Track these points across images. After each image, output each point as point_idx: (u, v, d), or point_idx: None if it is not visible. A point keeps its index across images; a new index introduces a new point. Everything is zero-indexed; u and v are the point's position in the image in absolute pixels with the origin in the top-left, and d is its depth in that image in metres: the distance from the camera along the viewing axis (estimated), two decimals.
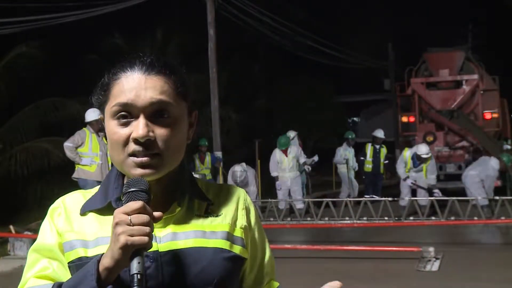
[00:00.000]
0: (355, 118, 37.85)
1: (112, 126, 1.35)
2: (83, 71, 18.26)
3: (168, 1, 22.14)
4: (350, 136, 15.31)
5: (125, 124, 1.33)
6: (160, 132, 1.32)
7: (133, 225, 1.19)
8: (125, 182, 1.30)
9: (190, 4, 18.72)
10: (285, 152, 13.22)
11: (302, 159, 13.57)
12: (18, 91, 14.23)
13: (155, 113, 1.33)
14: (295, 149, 13.41)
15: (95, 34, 19.50)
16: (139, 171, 1.32)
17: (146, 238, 1.19)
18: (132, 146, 1.31)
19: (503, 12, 30.50)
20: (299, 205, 12.45)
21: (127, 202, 1.24)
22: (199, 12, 16.86)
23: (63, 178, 13.34)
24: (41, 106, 14.27)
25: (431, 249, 8.07)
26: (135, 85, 1.33)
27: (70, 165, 13.30)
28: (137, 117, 1.32)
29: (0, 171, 13.35)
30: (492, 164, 12.57)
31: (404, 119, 18.04)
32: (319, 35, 23.82)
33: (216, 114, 15.32)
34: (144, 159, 1.31)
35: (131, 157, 1.32)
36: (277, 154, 13.33)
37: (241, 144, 22.14)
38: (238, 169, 12.48)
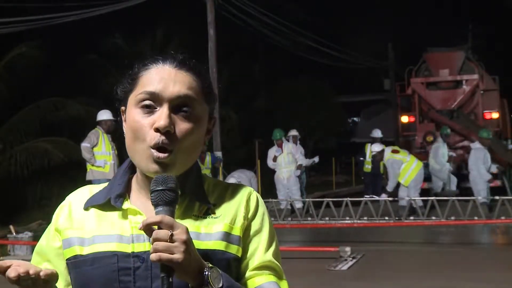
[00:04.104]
0: (355, 118, 37.87)
1: (135, 114, 1.35)
2: (83, 71, 18.27)
3: (168, 1, 22.15)
4: (446, 132, 14.68)
5: (148, 114, 1.34)
6: (180, 126, 1.33)
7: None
8: (153, 178, 1.27)
9: (190, 4, 18.73)
10: (281, 147, 13.38)
11: (300, 160, 13.50)
12: (18, 91, 14.23)
13: (180, 107, 1.34)
14: (290, 145, 13.46)
15: (95, 34, 19.50)
16: (155, 166, 1.32)
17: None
18: (152, 135, 1.32)
19: (503, 12, 30.51)
20: (298, 205, 12.45)
21: (156, 201, 1.24)
22: (199, 12, 16.87)
23: (63, 178, 13.37)
24: (41, 106, 14.28)
25: (348, 249, 8.14)
26: (165, 76, 1.35)
27: (70, 165, 13.36)
28: (161, 108, 1.34)
29: (0, 171, 13.35)
30: (473, 147, 12.76)
31: (404, 119, 18.04)
32: (319, 35, 23.84)
33: (216, 114, 15.32)
34: (162, 155, 1.31)
35: (150, 149, 1.32)
36: (274, 149, 13.61)
37: (241, 144, 22.14)
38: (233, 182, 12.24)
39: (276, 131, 13.63)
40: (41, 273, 1.22)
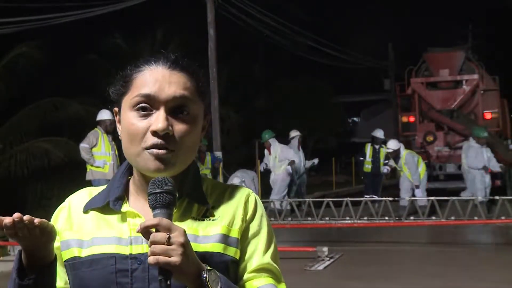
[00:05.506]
0: (355, 118, 37.91)
1: (130, 118, 1.34)
2: (83, 71, 18.29)
3: (168, 1, 22.15)
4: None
5: (144, 116, 1.33)
6: (178, 128, 1.33)
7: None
8: (151, 181, 1.26)
9: (190, 4, 18.73)
10: (269, 149, 13.34)
11: (292, 156, 13.33)
12: (18, 91, 14.24)
13: (176, 108, 1.34)
14: (278, 149, 13.34)
15: (95, 34, 19.51)
16: (155, 164, 1.31)
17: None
18: (150, 139, 1.31)
19: (503, 12, 30.52)
20: (277, 205, 12.43)
21: (153, 203, 1.24)
22: (199, 12, 16.87)
23: (63, 178, 13.37)
24: (41, 106, 14.28)
25: (325, 249, 8.16)
26: (160, 78, 1.34)
27: (70, 165, 13.36)
28: (157, 110, 1.33)
29: (0, 171, 13.35)
30: (471, 145, 12.79)
31: (404, 119, 18.04)
32: (319, 35, 23.85)
33: (216, 114, 15.34)
34: (161, 151, 1.31)
35: (147, 150, 1.32)
36: (265, 151, 13.61)
37: (241, 144, 22.15)
38: (236, 182, 12.16)
39: (263, 133, 13.49)
40: (35, 220, 1.23)
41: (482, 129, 13.21)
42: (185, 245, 1.19)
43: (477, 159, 12.60)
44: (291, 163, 13.16)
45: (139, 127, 1.33)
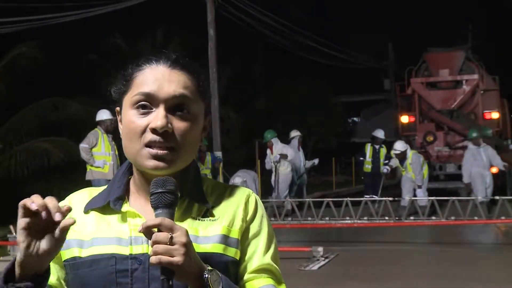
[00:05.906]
0: (355, 118, 37.89)
1: (130, 116, 1.35)
2: (83, 71, 18.30)
3: (168, 1, 22.15)
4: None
5: (144, 114, 1.34)
6: (178, 125, 1.33)
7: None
8: (152, 181, 1.26)
9: (190, 4, 18.74)
10: (271, 149, 13.34)
11: (290, 155, 13.32)
12: (18, 91, 14.24)
13: (175, 107, 1.34)
14: (278, 148, 13.34)
15: (95, 34, 19.51)
16: (153, 162, 1.32)
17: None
18: (149, 136, 1.32)
19: (503, 12, 30.52)
20: (288, 206, 12.45)
21: (155, 203, 1.24)
22: (199, 12, 16.88)
23: (63, 178, 13.38)
24: (41, 106, 14.28)
25: (320, 249, 8.15)
26: (160, 76, 1.35)
27: (70, 165, 13.37)
28: (157, 108, 1.33)
29: (0, 171, 13.35)
30: (469, 147, 12.85)
31: (404, 119, 18.03)
32: (319, 35, 23.86)
33: (216, 114, 15.34)
34: (160, 151, 1.31)
35: (146, 148, 1.32)
36: (267, 151, 13.61)
37: (241, 144, 22.16)
38: (238, 181, 12.20)
39: (266, 133, 13.52)
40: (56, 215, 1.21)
41: (474, 129, 13.21)
42: (188, 245, 1.20)
43: (475, 161, 12.60)
44: (283, 156, 13.14)
45: (138, 124, 1.33)
